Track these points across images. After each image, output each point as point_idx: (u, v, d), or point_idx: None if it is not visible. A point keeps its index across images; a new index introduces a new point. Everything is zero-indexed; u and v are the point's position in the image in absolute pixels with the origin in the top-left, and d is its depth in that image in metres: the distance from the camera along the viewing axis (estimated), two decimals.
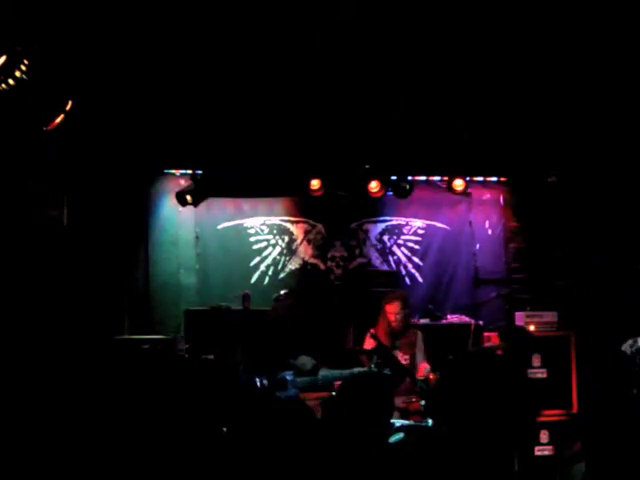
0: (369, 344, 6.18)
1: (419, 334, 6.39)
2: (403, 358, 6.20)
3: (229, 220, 8.06)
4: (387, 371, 5.64)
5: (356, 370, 5.82)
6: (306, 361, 6.01)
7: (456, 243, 8.28)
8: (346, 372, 5.80)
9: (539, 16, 5.59)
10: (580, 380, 6.67)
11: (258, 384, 5.76)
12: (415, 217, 8.30)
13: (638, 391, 5.64)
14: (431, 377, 5.76)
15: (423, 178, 8.12)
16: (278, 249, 8.09)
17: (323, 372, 5.90)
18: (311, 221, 8.18)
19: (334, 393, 5.38)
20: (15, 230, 5.77)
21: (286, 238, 8.13)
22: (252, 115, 6.80)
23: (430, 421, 5.32)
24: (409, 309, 6.43)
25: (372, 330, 6.11)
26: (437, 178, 8.13)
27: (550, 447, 6.52)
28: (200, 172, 7.56)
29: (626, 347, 6.17)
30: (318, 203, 7.93)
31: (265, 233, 8.10)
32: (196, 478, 4.93)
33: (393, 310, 6.23)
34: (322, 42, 5.87)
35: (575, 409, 6.57)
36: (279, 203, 8.15)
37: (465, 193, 7.89)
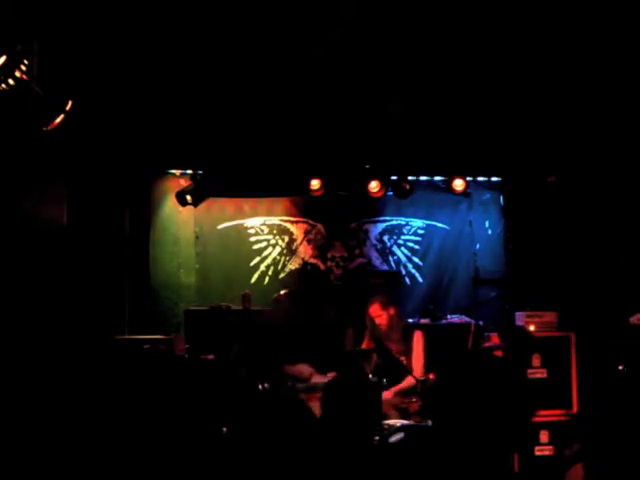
0: (367, 344, 6.19)
1: (417, 333, 6.34)
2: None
3: (229, 220, 8.06)
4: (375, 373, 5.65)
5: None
6: (303, 370, 6.07)
7: (456, 243, 8.28)
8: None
9: (538, 17, 5.59)
10: (580, 380, 6.66)
11: (260, 387, 5.76)
12: (415, 217, 8.31)
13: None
14: (430, 377, 5.77)
15: (423, 178, 8.12)
16: (278, 249, 8.10)
17: (316, 379, 5.92)
18: (311, 221, 8.18)
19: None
20: (15, 230, 5.76)
21: (286, 238, 8.13)
22: (252, 115, 6.80)
23: (430, 421, 5.31)
24: (394, 308, 6.37)
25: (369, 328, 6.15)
26: (437, 178, 8.13)
27: (550, 447, 6.51)
28: (200, 172, 7.56)
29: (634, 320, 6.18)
30: (318, 203, 7.94)
31: (265, 233, 8.10)
32: (196, 478, 4.94)
33: (375, 312, 6.22)
34: (322, 42, 5.87)
35: (575, 409, 6.56)
36: (279, 203, 8.15)
37: (465, 193, 7.89)
